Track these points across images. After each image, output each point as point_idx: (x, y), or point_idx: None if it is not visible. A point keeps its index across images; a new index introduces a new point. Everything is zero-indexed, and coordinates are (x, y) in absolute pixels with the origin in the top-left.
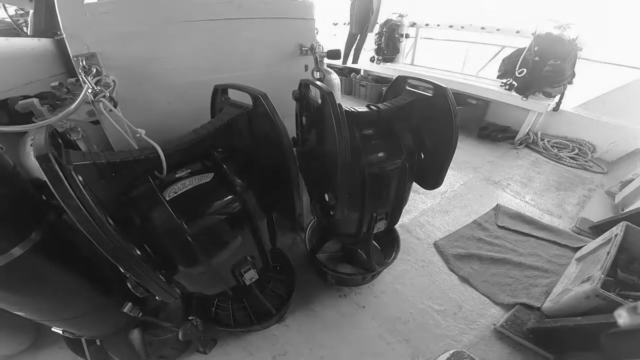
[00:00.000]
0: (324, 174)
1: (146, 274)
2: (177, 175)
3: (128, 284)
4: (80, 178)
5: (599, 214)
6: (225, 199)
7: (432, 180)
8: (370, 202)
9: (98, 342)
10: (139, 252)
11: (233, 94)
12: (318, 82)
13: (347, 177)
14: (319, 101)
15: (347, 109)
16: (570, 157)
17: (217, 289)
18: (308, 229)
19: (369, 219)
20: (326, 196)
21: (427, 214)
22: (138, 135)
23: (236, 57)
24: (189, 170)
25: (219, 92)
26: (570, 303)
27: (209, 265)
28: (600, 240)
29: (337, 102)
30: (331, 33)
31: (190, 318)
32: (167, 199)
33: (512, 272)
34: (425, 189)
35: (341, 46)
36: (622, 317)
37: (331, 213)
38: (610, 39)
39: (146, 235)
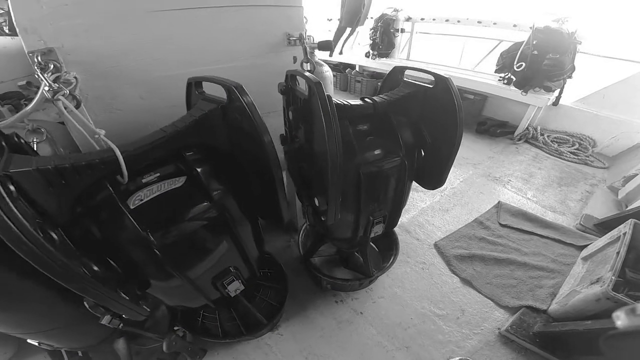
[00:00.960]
0: (314, 175)
1: (103, 293)
2: (144, 180)
3: (85, 303)
4: (13, 188)
5: (603, 211)
6: (200, 206)
7: (433, 179)
8: (367, 204)
9: (80, 353)
10: (96, 268)
11: (211, 88)
12: (306, 73)
13: (339, 179)
14: (307, 93)
15: (338, 102)
16: (571, 152)
17: (198, 302)
18: (302, 231)
19: (365, 223)
20: (316, 200)
21: (427, 213)
22: (97, 136)
23: (216, 48)
24: (157, 175)
25: (193, 86)
26: (579, 306)
27: (184, 279)
28: (607, 238)
29: (326, 94)
30: (326, 29)
31: (175, 328)
32: (132, 207)
33: (517, 273)
34: (426, 188)
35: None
36: (621, 319)
37: (322, 219)
38: (609, 32)
39: (108, 248)
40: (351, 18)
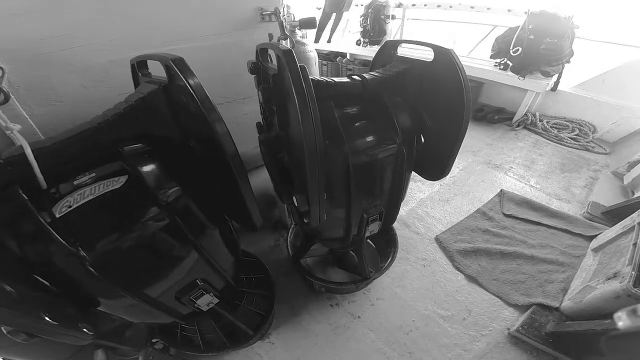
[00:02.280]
0: (292, 170)
1: (18, 318)
2: (76, 182)
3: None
4: None
5: (609, 198)
6: (144, 211)
7: (436, 168)
8: (359, 200)
9: None
10: (10, 289)
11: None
12: (275, 42)
13: (321, 172)
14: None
15: (320, 78)
16: (572, 138)
17: (166, 319)
18: (291, 230)
19: (358, 221)
20: (295, 200)
21: (426, 204)
22: (9, 132)
23: (172, 26)
24: (92, 175)
25: (136, 68)
26: (595, 303)
27: (134, 298)
28: (618, 228)
29: (299, 65)
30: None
31: (153, 340)
32: (58, 215)
33: (525, 267)
34: (428, 179)
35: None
36: (622, 319)
37: (305, 221)
38: (607, 17)
39: (32, 265)
40: (336, 3)
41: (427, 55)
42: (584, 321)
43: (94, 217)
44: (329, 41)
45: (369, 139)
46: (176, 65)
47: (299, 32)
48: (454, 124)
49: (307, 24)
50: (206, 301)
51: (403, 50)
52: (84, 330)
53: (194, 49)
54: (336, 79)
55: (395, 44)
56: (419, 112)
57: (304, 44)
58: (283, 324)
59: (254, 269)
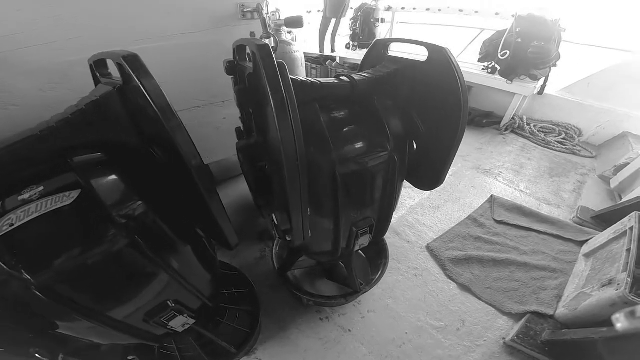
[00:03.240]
0: (271, 182)
1: None
2: (20, 197)
3: None
4: None
5: (597, 202)
6: (98, 231)
7: (429, 177)
8: (347, 212)
9: None
10: None
11: None
12: (251, 38)
13: (304, 186)
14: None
15: (303, 79)
16: (558, 142)
17: (137, 341)
18: (276, 240)
19: (347, 235)
20: (274, 217)
21: (416, 211)
22: None
23: (141, 23)
24: (40, 189)
25: (94, 68)
26: (592, 311)
27: (94, 322)
28: (609, 233)
29: (277, 62)
30: (305, 22)
31: (129, 358)
32: None
33: (517, 274)
34: (420, 189)
35: (315, 34)
36: (620, 321)
37: (287, 239)
38: (592, 20)
39: None
40: (336, 9)
41: (420, 55)
42: (580, 329)
43: (40, 237)
44: (332, 50)
45: (358, 145)
46: (128, 64)
47: (285, 32)
48: (450, 128)
49: (293, 23)
50: (180, 322)
51: (394, 52)
52: (36, 355)
53: (167, 49)
54: (322, 80)
55: (386, 43)
56: (411, 116)
57: (289, 44)
58: (270, 339)
59: (237, 283)
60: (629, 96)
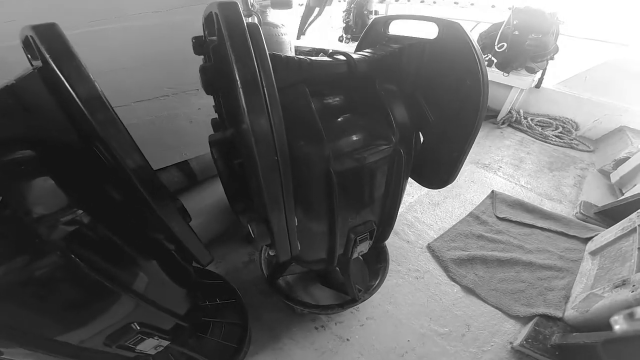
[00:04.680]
0: (247, 184)
1: None
2: None
3: None
4: None
5: (599, 196)
6: (20, 250)
7: (438, 174)
8: (344, 215)
9: None
10: None
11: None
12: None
13: (286, 189)
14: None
15: (289, 55)
16: (556, 136)
17: None
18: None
19: (344, 242)
20: (250, 229)
21: (415, 209)
22: None
23: (96, 0)
24: None
25: (25, 50)
26: (604, 313)
27: (33, 348)
28: (617, 230)
29: (248, 22)
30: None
31: None
32: None
33: (523, 274)
34: (427, 187)
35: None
36: (619, 323)
37: (271, 253)
38: (589, 14)
39: None
40: None
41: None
42: (592, 332)
43: None
44: (303, 34)
45: (356, 137)
46: (39, 37)
47: (270, 14)
48: (466, 116)
49: (280, 3)
50: (150, 345)
51: (397, 24)
52: None
53: (130, 30)
54: (313, 58)
55: (387, 20)
56: (419, 103)
57: (276, 26)
58: (262, 351)
59: (221, 293)
60: (626, 90)
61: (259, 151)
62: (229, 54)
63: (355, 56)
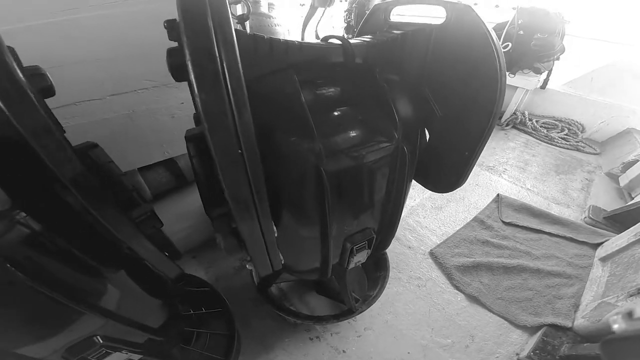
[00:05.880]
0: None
1: None
2: None
3: None
4: None
5: (607, 200)
6: None
7: (446, 176)
8: (339, 222)
9: None
10: None
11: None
12: None
13: (258, 191)
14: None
15: (273, 37)
16: (562, 138)
17: None
18: None
19: (339, 252)
20: (219, 240)
21: (417, 213)
22: None
23: None
24: None
25: None
26: None
27: None
28: (630, 235)
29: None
30: (298, 14)
31: None
32: None
33: (530, 282)
34: (433, 190)
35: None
36: (618, 323)
37: (248, 267)
38: (596, 14)
39: None
40: None
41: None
42: None
43: None
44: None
45: (353, 132)
46: None
47: (263, 5)
48: (479, 109)
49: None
50: (119, 359)
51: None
52: None
53: (105, 18)
54: (308, 42)
55: (388, 6)
56: (425, 96)
57: (269, 17)
58: None
59: (208, 301)
60: (634, 91)
61: (215, 141)
62: (180, 24)
63: (355, 42)
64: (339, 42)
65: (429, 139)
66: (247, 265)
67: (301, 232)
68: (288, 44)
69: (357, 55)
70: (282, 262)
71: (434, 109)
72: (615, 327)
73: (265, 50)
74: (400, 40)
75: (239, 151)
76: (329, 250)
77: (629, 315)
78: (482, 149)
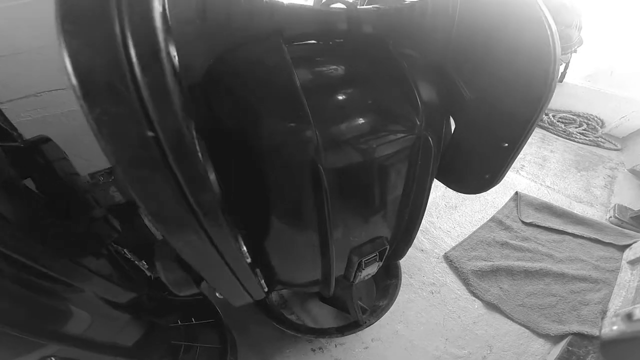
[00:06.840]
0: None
1: None
2: None
3: None
4: None
5: (632, 199)
6: None
7: (479, 174)
8: (343, 232)
9: None
10: None
11: None
12: None
13: (206, 204)
14: None
15: None
16: (580, 133)
17: None
18: None
19: (344, 266)
20: (157, 268)
21: (430, 212)
22: None
23: None
24: None
25: None
26: None
27: None
28: None
29: None
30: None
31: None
32: None
33: (554, 287)
34: (461, 191)
35: None
36: (617, 324)
37: (219, 296)
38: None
39: None
40: None
41: None
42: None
43: None
44: None
45: (361, 120)
46: None
47: None
48: (523, 92)
49: None
50: None
51: None
52: None
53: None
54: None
55: None
56: (450, 76)
57: None
58: None
59: (198, 310)
60: None
61: (96, 119)
62: None
63: (363, 9)
64: (343, 6)
65: (454, 129)
66: (217, 294)
67: (294, 242)
68: (274, 6)
69: (364, 22)
70: (264, 289)
71: (461, 92)
72: (615, 328)
73: (243, 13)
74: (418, 9)
75: (150, 133)
76: (330, 266)
77: (629, 316)
78: (526, 142)
